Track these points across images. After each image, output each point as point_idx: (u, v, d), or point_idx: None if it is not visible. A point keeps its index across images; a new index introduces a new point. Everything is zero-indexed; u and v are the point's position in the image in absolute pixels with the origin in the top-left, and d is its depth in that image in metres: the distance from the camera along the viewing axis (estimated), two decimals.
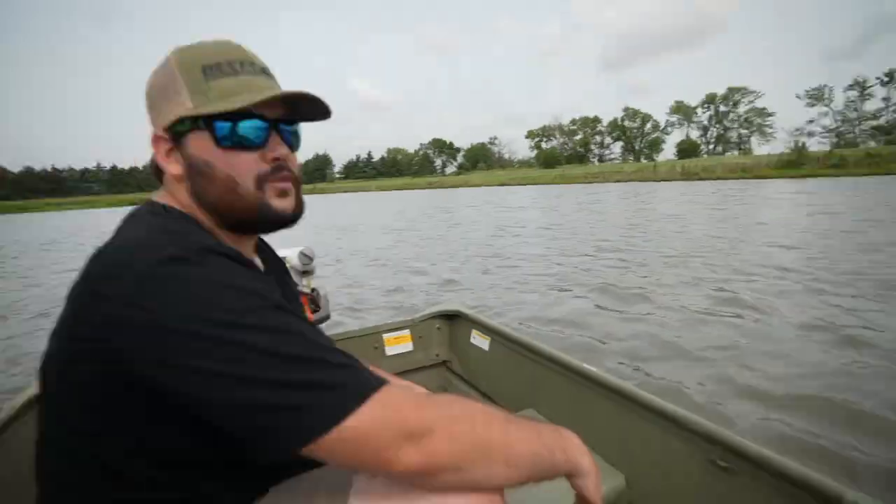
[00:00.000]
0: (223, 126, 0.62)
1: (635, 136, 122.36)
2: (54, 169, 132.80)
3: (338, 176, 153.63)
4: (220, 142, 0.62)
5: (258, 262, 0.80)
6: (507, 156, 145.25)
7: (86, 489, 0.55)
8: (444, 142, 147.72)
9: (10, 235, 20.28)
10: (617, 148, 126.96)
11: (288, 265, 1.49)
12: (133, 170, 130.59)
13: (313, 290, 1.83)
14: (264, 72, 0.67)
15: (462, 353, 1.88)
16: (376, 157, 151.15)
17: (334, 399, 0.49)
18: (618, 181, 49.58)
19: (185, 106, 0.62)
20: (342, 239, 11.02)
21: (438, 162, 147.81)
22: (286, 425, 0.48)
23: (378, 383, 0.52)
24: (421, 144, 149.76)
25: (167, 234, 0.56)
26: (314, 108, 0.69)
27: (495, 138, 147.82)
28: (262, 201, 0.65)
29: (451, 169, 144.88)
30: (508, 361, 1.60)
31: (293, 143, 0.70)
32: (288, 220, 0.68)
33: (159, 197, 0.69)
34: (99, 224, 22.72)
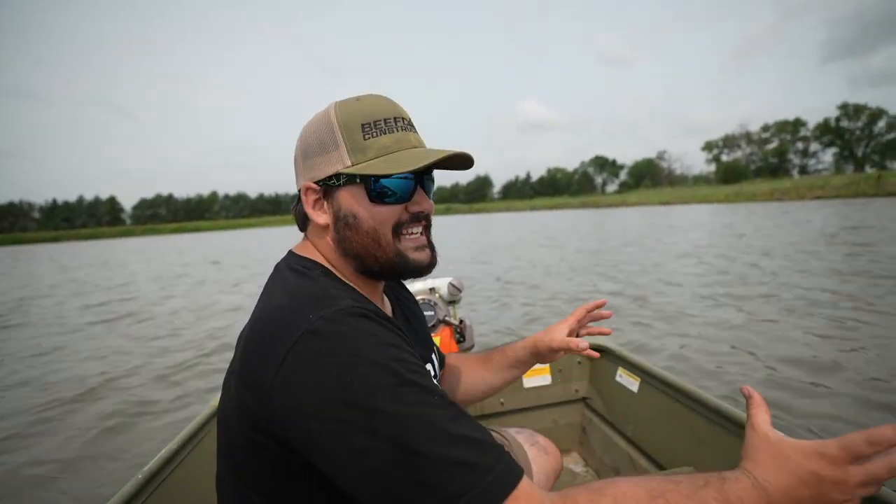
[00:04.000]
0: (378, 183, 0.66)
1: (858, 138, 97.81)
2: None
3: (496, 196, 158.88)
4: (372, 196, 0.67)
5: (386, 303, 0.83)
6: (678, 171, 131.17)
7: None
8: (606, 159, 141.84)
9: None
10: (827, 155, 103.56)
11: (436, 295, 1.85)
12: None
13: (461, 321, 1.86)
14: (411, 124, 0.71)
15: (605, 392, 1.72)
16: (535, 176, 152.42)
17: None
18: (818, 197, 38.39)
19: (344, 162, 0.66)
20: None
21: (599, 180, 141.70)
22: None
23: (505, 491, 0.48)
24: (581, 163, 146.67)
25: (311, 300, 0.59)
26: (458, 161, 0.70)
27: (664, 152, 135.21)
28: (399, 252, 0.69)
29: (612, 187, 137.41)
30: (662, 408, 1.40)
31: (430, 192, 0.73)
32: (424, 270, 0.72)
33: (299, 248, 0.75)
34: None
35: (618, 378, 1.64)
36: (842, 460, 0.47)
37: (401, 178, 0.67)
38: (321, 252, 0.73)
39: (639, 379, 1.54)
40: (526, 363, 1.01)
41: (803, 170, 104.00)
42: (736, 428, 1.13)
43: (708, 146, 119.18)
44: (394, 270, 0.70)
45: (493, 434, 1.05)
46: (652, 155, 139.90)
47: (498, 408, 1.78)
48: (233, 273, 12.17)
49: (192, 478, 1.15)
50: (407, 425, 0.49)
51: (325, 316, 0.55)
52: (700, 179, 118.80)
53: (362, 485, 0.50)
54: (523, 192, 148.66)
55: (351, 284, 0.71)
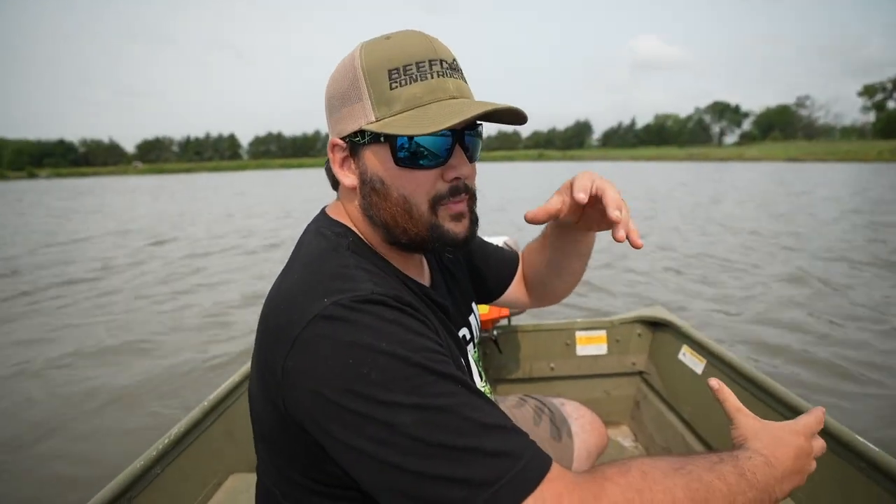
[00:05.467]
0: (404, 142, 0.56)
1: None
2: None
3: (595, 143, 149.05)
4: (398, 160, 0.57)
5: (426, 270, 0.76)
6: (821, 121, 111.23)
7: (283, 483, 0.61)
8: (727, 104, 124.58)
9: None
10: None
11: None
12: None
13: None
14: (452, 67, 0.59)
15: (664, 369, 1.64)
16: (641, 123, 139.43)
17: (479, 499, 0.44)
18: None
19: (368, 117, 0.57)
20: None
21: (716, 129, 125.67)
22: None
23: (536, 479, 0.45)
24: (696, 109, 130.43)
25: (327, 279, 0.55)
26: (508, 115, 0.60)
27: (806, 98, 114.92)
28: (434, 225, 0.61)
29: (732, 138, 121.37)
30: None
31: (475, 153, 0.63)
32: (460, 245, 0.63)
33: (331, 210, 0.69)
34: None
35: (680, 356, 1.55)
36: (810, 436, 0.57)
37: (433, 139, 0.57)
38: (350, 216, 0.66)
39: (704, 360, 1.44)
40: (554, 236, 0.85)
41: None
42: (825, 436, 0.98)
43: (868, 91, 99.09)
44: (425, 245, 0.62)
45: (534, 402, 1.08)
46: (789, 101, 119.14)
47: (548, 372, 1.73)
48: None
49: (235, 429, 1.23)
50: (427, 418, 0.46)
51: (339, 301, 0.51)
52: (850, 132, 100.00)
53: (379, 481, 0.48)
54: (625, 140, 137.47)
55: (381, 254, 0.65)
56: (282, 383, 0.51)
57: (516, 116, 0.60)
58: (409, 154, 0.57)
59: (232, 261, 6.84)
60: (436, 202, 0.60)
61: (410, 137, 0.56)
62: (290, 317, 0.52)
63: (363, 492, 0.56)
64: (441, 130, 0.54)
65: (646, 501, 0.45)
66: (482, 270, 0.92)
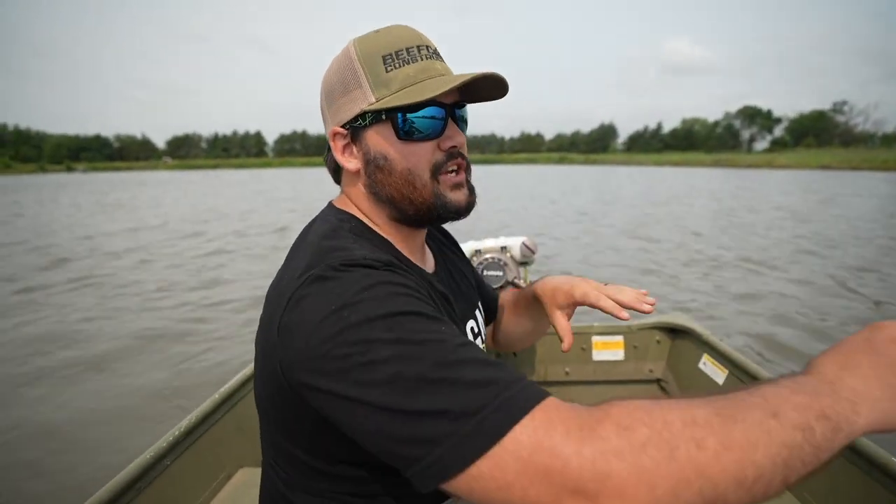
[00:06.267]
0: (407, 118, 0.61)
1: None
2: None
3: (620, 147, 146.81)
4: (400, 134, 0.62)
5: (429, 255, 0.78)
6: (860, 128, 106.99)
7: (288, 466, 0.61)
8: (757, 109, 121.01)
9: None
10: None
11: (507, 254, 1.76)
12: None
13: (531, 284, 1.73)
14: (436, 53, 0.65)
15: (683, 377, 1.59)
16: (668, 127, 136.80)
17: (462, 434, 0.41)
18: None
19: (368, 100, 0.61)
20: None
21: (746, 135, 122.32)
22: (417, 458, 0.42)
23: (526, 406, 0.41)
24: (726, 113, 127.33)
25: (325, 251, 0.57)
26: (491, 88, 0.65)
27: (843, 104, 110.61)
28: (437, 192, 0.64)
29: (762, 144, 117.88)
30: None
31: (464, 126, 0.68)
32: (462, 212, 0.67)
33: (337, 202, 0.72)
34: None
35: (701, 365, 1.50)
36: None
37: (430, 114, 0.62)
38: (355, 202, 0.70)
39: (726, 371, 1.39)
40: (529, 308, 0.94)
41: None
42: (846, 451, 0.96)
43: None
44: (430, 214, 0.66)
45: None
46: (825, 107, 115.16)
47: (562, 377, 1.70)
48: None
49: (243, 422, 1.23)
50: (407, 352, 0.45)
51: (331, 264, 0.53)
52: (892, 139, 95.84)
53: (365, 425, 0.45)
54: (651, 145, 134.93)
55: (384, 236, 0.68)
56: (277, 343, 0.52)
57: (499, 86, 0.65)
58: (409, 128, 0.62)
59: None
60: (436, 170, 0.64)
61: (414, 107, 0.61)
62: (287, 284, 0.55)
63: (367, 472, 0.57)
64: (434, 105, 0.61)
65: (656, 420, 0.39)
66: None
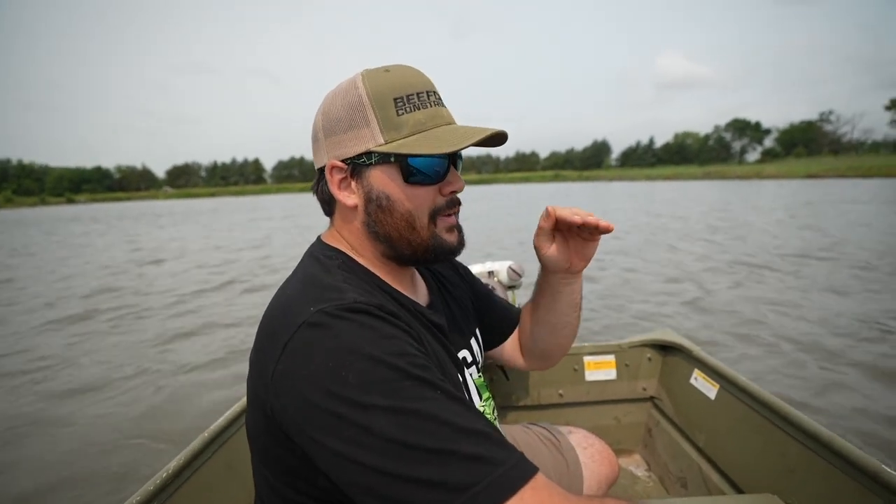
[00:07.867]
0: (415, 162, 0.63)
1: None
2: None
3: (613, 163, 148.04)
4: (407, 178, 0.64)
5: (421, 285, 0.80)
6: (848, 137, 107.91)
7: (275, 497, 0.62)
8: (747, 122, 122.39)
9: None
10: None
11: (495, 279, 1.77)
12: None
13: (519, 308, 1.72)
14: (440, 98, 0.67)
15: (676, 394, 1.59)
16: (661, 142, 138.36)
17: (455, 503, 0.43)
18: None
19: (376, 140, 0.62)
20: None
21: (737, 147, 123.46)
22: None
23: (515, 486, 0.44)
24: (716, 127, 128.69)
25: (317, 291, 0.59)
26: (492, 140, 0.66)
27: (830, 113, 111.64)
28: (435, 235, 0.67)
29: (754, 156, 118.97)
30: (745, 422, 1.25)
31: (460, 164, 0.71)
32: (455, 252, 0.70)
33: (326, 236, 0.73)
34: None
35: (692, 381, 1.50)
36: None
37: (436, 160, 0.64)
38: (345, 237, 0.71)
39: (717, 385, 1.39)
40: (541, 289, 0.90)
41: None
42: (838, 460, 0.96)
43: (895, 104, 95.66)
44: (426, 255, 0.68)
45: (540, 430, 1.07)
46: (814, 117, 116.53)
47: (556, 399, 1.70)
48: None
49: (236, 458, 1.16)
50: (404, 421, 0.47)
51: (324, 309, 0.54)
52: (882, 147, 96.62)
53: (357, 483, 0.48)
54: (644, 160, 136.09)
55: (373, 272, 0.69)
56: (269, 386, 0.54)
57: (500, 139, 0.68)
58: (417, 173, 0.64)
59: None
60: (435, 214, 0.67)
61: (427, 156, 0.63)
62: (281, 324, 0.56)
63: None
64: (444, 153, 0.62)
65: None
66: (483, 318, 0.96)
